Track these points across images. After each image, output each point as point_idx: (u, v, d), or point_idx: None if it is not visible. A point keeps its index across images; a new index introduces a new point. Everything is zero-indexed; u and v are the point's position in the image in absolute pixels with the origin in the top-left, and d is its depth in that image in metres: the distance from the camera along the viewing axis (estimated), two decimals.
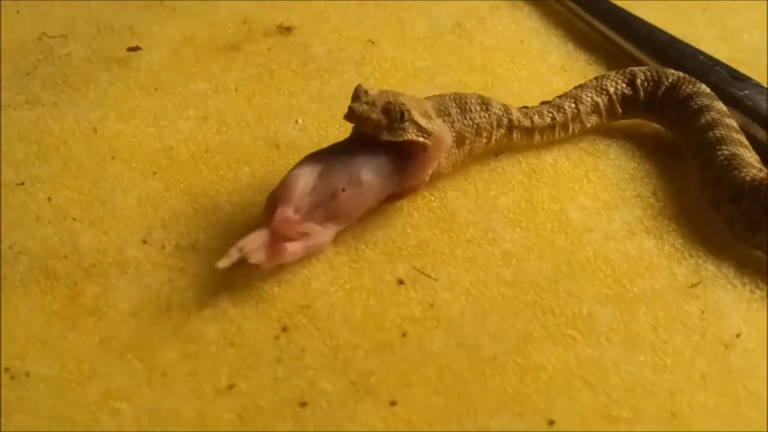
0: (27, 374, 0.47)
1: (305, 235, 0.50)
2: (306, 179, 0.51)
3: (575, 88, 0.62)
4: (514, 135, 0.59)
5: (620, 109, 0.62)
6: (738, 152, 0.54)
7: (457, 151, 0.57)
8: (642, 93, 0.61)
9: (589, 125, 0.61)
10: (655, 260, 0.53)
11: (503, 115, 0.58)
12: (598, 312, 0.50)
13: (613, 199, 0.57)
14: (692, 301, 0.50)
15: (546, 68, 0.71)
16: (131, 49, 0.72)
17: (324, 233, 0.51)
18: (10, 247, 0.54)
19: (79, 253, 0.54)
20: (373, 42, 0.73)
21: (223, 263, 0.48)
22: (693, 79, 0.61)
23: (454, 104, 0.56)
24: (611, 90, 0.61)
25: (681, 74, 0.61)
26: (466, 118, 0.56)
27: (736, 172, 0.53)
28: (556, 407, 0.45)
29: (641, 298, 0.51)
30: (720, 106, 0.59)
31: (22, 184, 0.59)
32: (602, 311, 0.50)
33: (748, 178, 0.52)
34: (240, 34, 0.75)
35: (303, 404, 0.46)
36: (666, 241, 0.54)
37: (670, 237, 0.54)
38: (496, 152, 0.60)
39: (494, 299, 0.51)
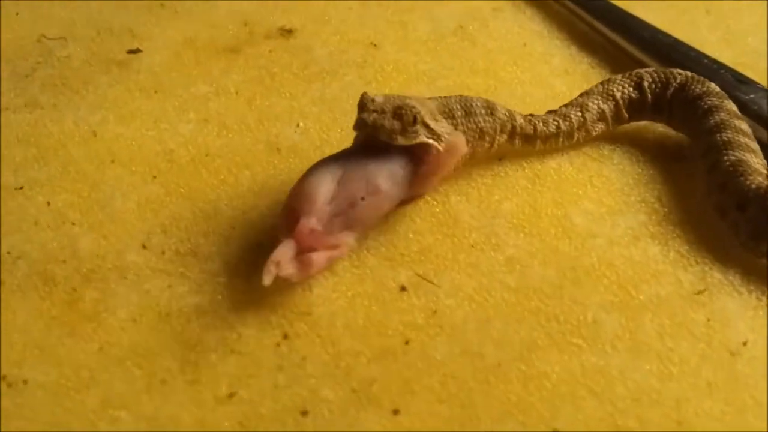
0: (25, 381, 0.47)
1: (334, 246, 0.50)
2: (327, 188, 0.50)
3: (581, 95, 0.61)
4: (516, 141, 0.59)
5: (627, 114, 0.61)
6: (745, 158, 0.54)
7: None
8: (650, 95, 0.61)
9: (594, 133, 0.61)
10: (660, 267, 0.52)
11: (507, 121, 0.58)
12: (603, 319, 0.49)
13: (617, 204, 0.57)
14: (698, 308, 0.50)
15: (549, 71, 0.70)
16: (131, 52, 0.72)
17: (348, 243, 0.51)
18: (9, 252, 0.54)
19: (78, 258, 0.54)
20: (375, 44, 0.73)
21: (267, 281, 0.47)
22: (702, 79, 0.60)
23: (459, 107, 0.56)
24: (618, 95, 0.61)
25: (689, 74, 0.61)
26: (470, 122, 0.56)
27: (741, 178, 0.53)
28: (561, 416, 0.45)
29: (647, 305, 0.50)
30: (730, 106, 0.58)
31: (21, 188, 0.59)
32: (607, 318, 0.49)
33: (753, 186, 0.52)
34: (241, 37, 0.74)
35: (304, 413, 0.45)
36: (671, 247, 0.53)
37: (675, 243, 0.54)
38: (500, 157, 0.60)
39: (498, 306, 0.50)
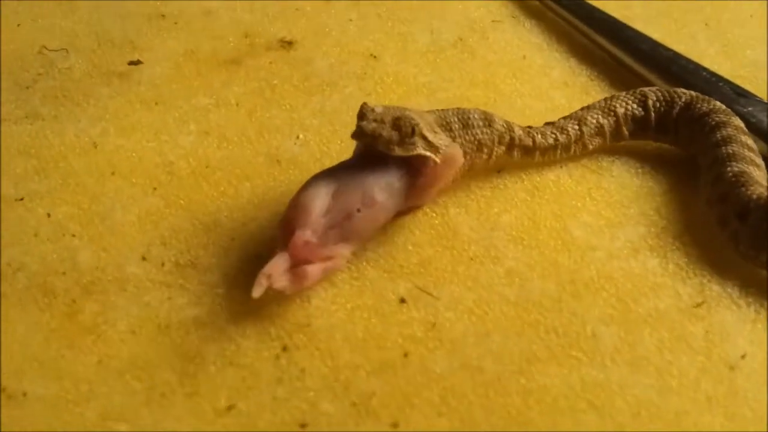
0: (24, 394, 0.47)
1: (329, 258, 0.50)
2: (321, 200, 0.50)
3: (582, 109, 0.61)
4: (515, 153, 0.59)
5: (627, 132, 0.61)
6: (747, 170, 0.54)
7: None
8: (653, 114, 0.61)
9: (591, 147, 0.61)
10: (659, 279, 0.52)
11: (505, 132, 0.58)
12: (603, 332, 0.49)
13: (616, 217, 0.57)
14: (697, 321, 0.50)
15: (548, 84, 0.70)
16: (132, 63, 0.72)
17: (343, 255, 0.51)
18: (8, 264, 0.54)
19: (78, 270, 0.54)
20: (375, 56, 0.73)
21: (257, 293, 0.47)
22: (707, 97, 0.60)
23: (456, 119, 0.56)
24: (620, 111, 0.61)
25: (694, 93, 0.61)
26: (467, 134, 0.56)
27: (743, 189, 0.53)
28: (561, 430, 0.44)
29: (646, 318, 0.50)
30: (737, 122, 0.58)
31: (21, 199, 0.59)
32: (606, 331, 0.49)
33: (754, 196, 0.52)
34: (241, 48, 0.74)
35: (303, 426, 0.45)
36: (670, 260, 0.54)
37: (674, 256, 0.54)
38: (498, 169, 0.60)
39: (497, 319, 0.50)
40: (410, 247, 0.55)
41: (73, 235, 0.56)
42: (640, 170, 0.60)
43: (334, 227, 0.50)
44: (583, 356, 0.48)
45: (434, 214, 0.57)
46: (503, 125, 0.57)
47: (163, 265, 0.54)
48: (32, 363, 0.48)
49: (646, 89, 0.62)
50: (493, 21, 0.78)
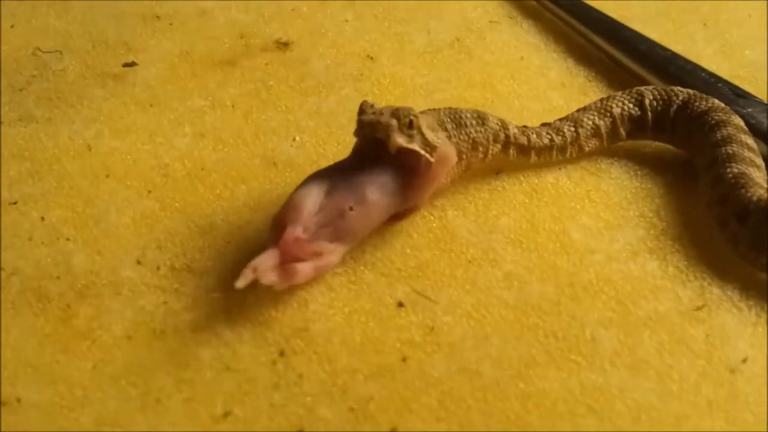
0: (18, 400, 0.46)
1: (317, 254, 0.49)
2: (313, 199, 0.50)
3: (578, 110, 0.61)
4: (511, 151, 0.58)
5: (624, 132, 0.61)
6: (747, 171, 0.54)
7: (454, 166, 0.56)
8: (650, 113, 0.60)
9: (587, 149, 0.60)
10: (659, 282, 0.52)
11: (500, 130, 0.57)
12: (602, 335, 0.49)
13: (615, 219, 0.57)
14: (697, 324, 0.50)
15: (546, 84, 0.70)
16: (127, 65, 0.72)
17: (334, 252, 0.50)
18: (2, 268, 0.53)
19: (73, 274, 0.53)
20: (371, 57, 0.73)
21: (240, 283, 0.47)
22: (705, 96, 0.60)
23: (449, 119, 0.56)
24: (616, 112, 0.60)
25: (691, 91, 0.61)
26: (461, 133, 0.56)
27: (743, 190, 0.52)
28: None
29: (645, 321, 0.50)
30: (737, 121, 0.58)
31: (15, 203, 0.58)
32: (606, 335, 0.49)
33: (754, 198, 0.52)
34: (237, 49, 0.74)
35: (301, 431, 0.45)
36: (670, 263, 0.53)
37: (674, 258, 0.53)
38: (497, 170, 0.60)
39: (496, 323, 0.50)
40: (408, 251, 0.54)
41: (68, 239, 0.55)
42: (639, 172, 0.60)
43: (326, 225, 0.50)
44: (582, 360, 0.48)
45: (432, 217, 0.56)
46: (497, 123, 0.57)
47: (158, 268, 0.53)
48: (26, 368, 0.48)
49: (642, 88, 0.62)
50: (490, 21, 0.78)
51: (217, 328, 0.49)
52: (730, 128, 0.57)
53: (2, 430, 0.45)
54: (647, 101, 0.61)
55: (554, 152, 0.59)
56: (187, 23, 0.77)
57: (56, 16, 0.78)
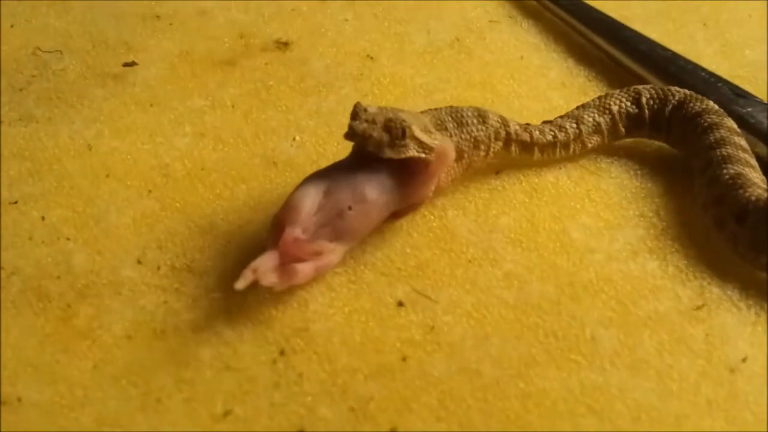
0: (19, 399, 0.46)
1: (317, 254, 0.49)
2: (312, 199, 0.50)
3: (577, 108, 0.61)
4: (512, 148, 0.58)
5: (623, 129, 0.61)
6: (744, 172, 0.54)
7: (455, 165, 0.56)
8: (647, 111, 0.60)
9: (590, 145, 0.60)
10: (658, 282, 0.52)
11: (501, 128, 0.57)
12: (602, 335, 0.49)
13: (615, 219, 0.57)
14: (697, 324, 0.50)
15: (546, 84, 0.70)
16: (127, 65, 0.72)
17: (334, 252, 0.50)
18: (3, 268, 0.53)
19: (73, 274, 0.53)
20: (371, 57, 0.73)
21: (240, 285, 0.47)
22: (700, 97, 0.60)
23: (450, 118, 0.56)
24: (614, 109, 0.60)
25: (688, 92, 0.61)
26: (463, 132, 0.56)
27: (741, 191, 0.53)
28: None
29: (645, 321, 0.50)
30: (730, 123, 0.58)
31: (16, 202, 0.58)
32: (606, 334, 0.49)
33: (753, 198, 0.52)
34: (237, 49, 0.74)
35: (301, 431, 0.45)
36: (670, 262, 0.53)
37: (673, 258, 0.54)
38: (497, 170, 0.60)
39: (496, 322, 0.50)
40: (408, 250, 0.54)
41: (68, 239, 0.56)
42: (639, 171, 0.60)
43: (325, 225, 0.50)
44: (582, 359, 0.48)
45: (432, 217, 0.56)
46: (498, 121, 0.57)
47: (158, 268, 0.53)
48: (27, 368, 0.48)
49: (639, 87, 0.62)
50: (490, 21, 0.78)
51: (218, 328, 0.49)
52: (723, 131, 0.57)
53: (3, 429, 0.45)
54: (644, 99, 0.61)
55: (558, 149, 0.59)
56: (187, 23, 0.77)
57: (56, 16, 0.78)
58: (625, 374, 0.47)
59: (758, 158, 0.57)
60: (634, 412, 0.45)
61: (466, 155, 0.56)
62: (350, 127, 0.51)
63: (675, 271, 0.53)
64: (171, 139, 0.64)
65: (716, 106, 0.59)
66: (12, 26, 0.77)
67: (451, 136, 0.55)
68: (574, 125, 0.60)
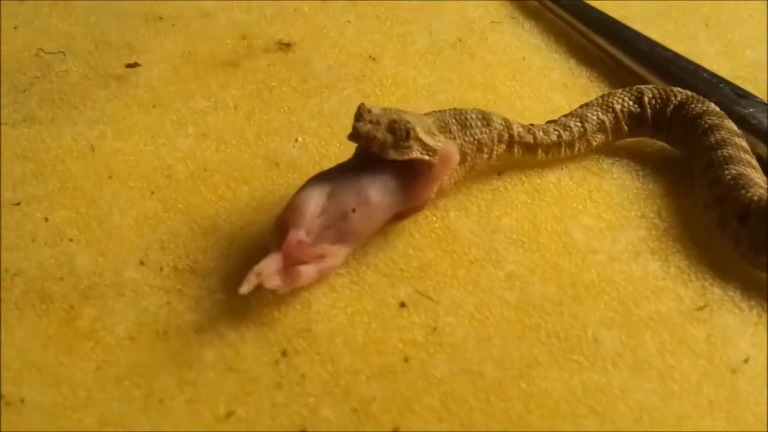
0: (22, 400, 0.46)
1: (320, 256, 0.50)
2: (316, 201, 0.50)
3: (580, 107, 0.61)
4: (515, 150, 0.58)
5: (626, 128, 0.61)
6: (745, 172, 0.54)
7: (459, 167, 0.56)
8: (650, 111, 0.61)
9: (595, 144, 0.60)
10: (660, 283, 0.52)
11: (504, 130, 0.57)
12: (604, 336, 0.49)
13: (617, 220, 0.57)
14: (699, 325, 0.50)
15: (548, 85, 0.70)
16: (130, 66, 0.72)
17: (337, 254, 0.50)
18: (6, 269, 0.54)
19: (76, 275, 0.53)
20: (373, 58, 0.73)
21: (245, 289, 0.47)
22: (702, 98, 0.60)
23: (454, 120, 0.56)
24: (617, 108, 0.61)
25: (689, 93, 0.61)
26: (466, 134, 0.56)
27: (743, 191, 0.53)
28: None
29: (647, 321, 0.50)
30: (730, 125, 0.58)
31: (19, 203, 0.58)
32: (608, 335, 0.49)
33: (755, 198, 0.52)
34: (239, 50, 0.74)
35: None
36: (671, 263, 0.53)
37: (675, 258, 0.54)
38: (499, 170, 0.60)
39: (498, 323, 0.50)
40: (410, 251, 0.54)
41: (71, 240, 0.56)
42: (641, 172, 0.60)
43: (329, 228, 0.50)
44: (584, 360, 0.48)
45: (434, 218, 0.57)
46: (501, 123, 0.57)
47: (161, 269, 0.54)
48: (30, 369, 0.48)
49: (642, 86, 0.62)
50: (491, 22, 0.78)
51: (220, 329, 0.50)
52: (723, 132, 0.57)
53: (6, 430, 0.45)
54: (646, 99, 0.61)
55: (563, 148, 0.59)
56: (189, 24, 0.77)
57: (59, 17, 0.78)
58: (627, 375, 0.47)
59: (759, 159, 0.58)
60: (635, 412, 0.45)
61: (469, 158, 0.56)
62: (354, 128, 0.51)
63: (677, 271, 0.53)
64: (174, 140, 0.64)
65: (717, 108, 0.59)
66: (15, 27, 0.77)
67: (454, 138, 0.55)
68: (579, 124, 0.60)
